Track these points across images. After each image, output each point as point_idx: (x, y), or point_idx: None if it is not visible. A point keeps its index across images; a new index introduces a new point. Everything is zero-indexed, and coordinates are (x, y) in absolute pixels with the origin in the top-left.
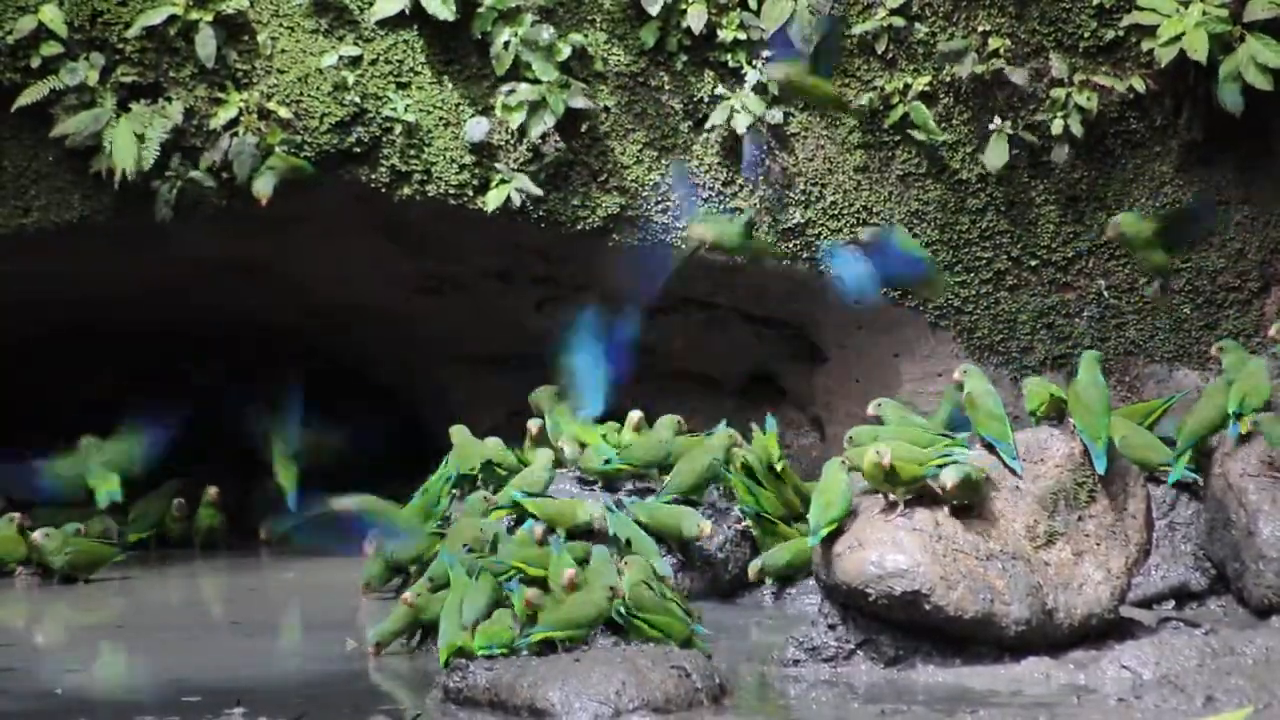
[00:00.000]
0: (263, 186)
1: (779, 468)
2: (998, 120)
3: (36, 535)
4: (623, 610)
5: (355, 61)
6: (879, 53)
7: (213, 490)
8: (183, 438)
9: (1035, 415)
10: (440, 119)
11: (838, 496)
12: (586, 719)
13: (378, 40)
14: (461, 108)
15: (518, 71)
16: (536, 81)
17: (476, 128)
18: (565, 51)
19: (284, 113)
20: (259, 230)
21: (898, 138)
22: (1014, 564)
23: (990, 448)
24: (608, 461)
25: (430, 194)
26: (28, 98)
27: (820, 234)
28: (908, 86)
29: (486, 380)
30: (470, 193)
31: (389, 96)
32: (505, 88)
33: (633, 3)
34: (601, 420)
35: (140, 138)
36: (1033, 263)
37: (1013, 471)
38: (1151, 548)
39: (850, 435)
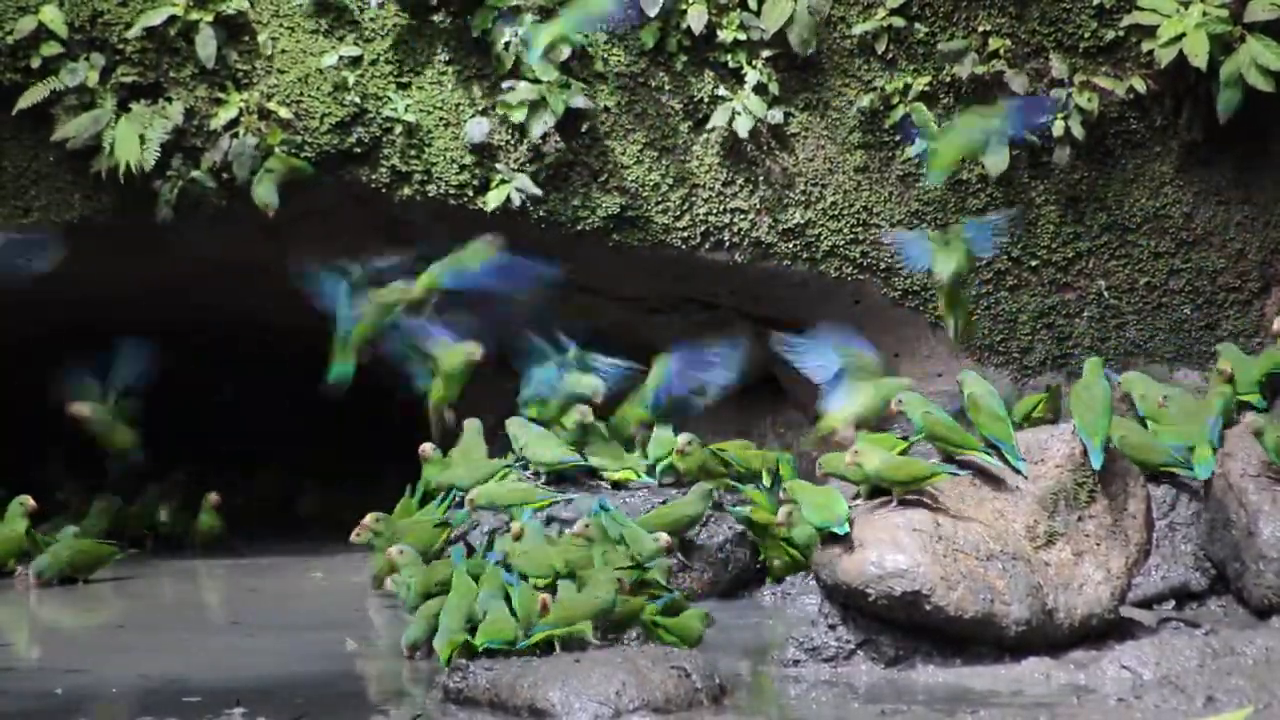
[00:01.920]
0: (266, 196)
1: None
2: None
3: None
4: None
5: (355, 61)
6: (879, 53)
7: (213, 496)
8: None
9: (1026, 421)
10: (440, 119)
11: (835, 496)
12: (586, 719)
13: (378, 40)
14: (462, 108)
15: (518, 71)
16: (537, 81)
17: (477, 128)
18: (565, 52)
19: (284, 113)
20: (259, 231)
21: (898, 138)
22: (1014, 564)
23: (994, 448)
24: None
25: (430, 194)
26: (28, 99)
27: (820, 234)
28: (908, 87)
29: (486, 380)
30: (470, 193)
31: (389, 96)
32: (505, 87)
33: (632, 2)
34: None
35: (141, 138)
36: (1033, 263)
37: (1017, 471)
38: (1151, 548)
39: (820, 463)
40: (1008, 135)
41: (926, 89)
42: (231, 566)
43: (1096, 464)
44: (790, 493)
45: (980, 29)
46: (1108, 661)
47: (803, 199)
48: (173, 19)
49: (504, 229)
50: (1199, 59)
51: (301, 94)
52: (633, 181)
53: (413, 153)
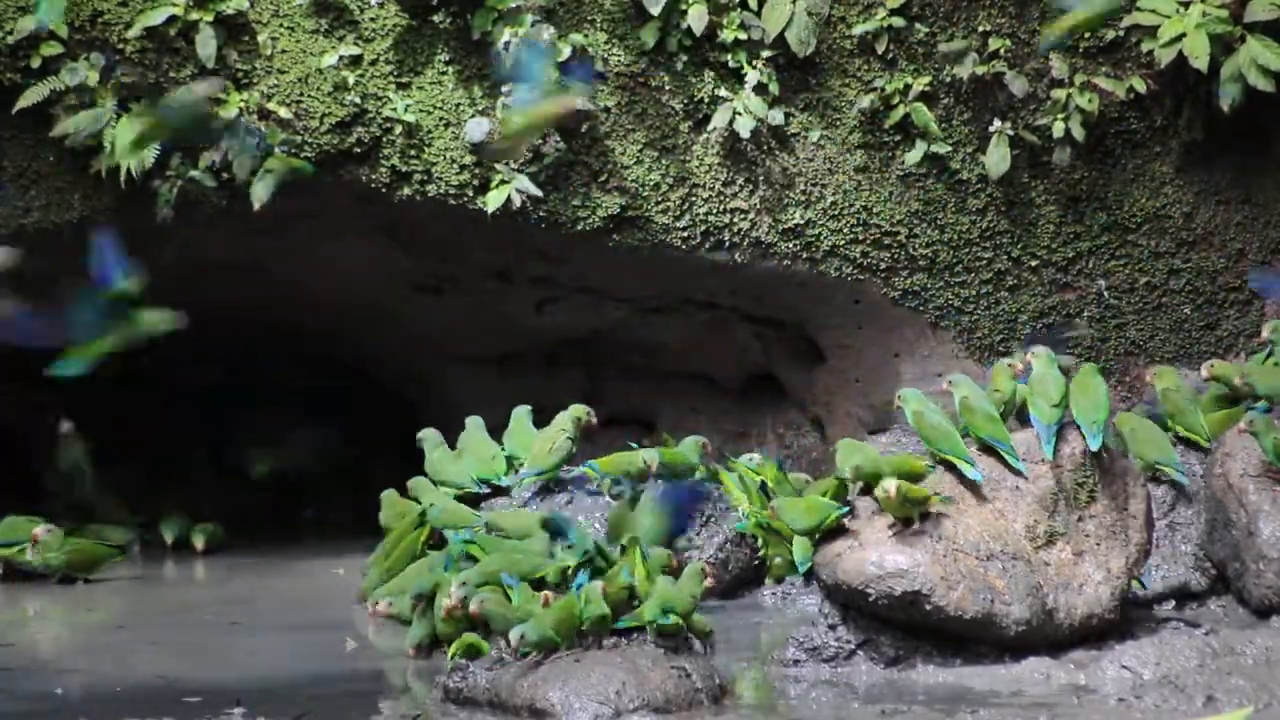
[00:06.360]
0: (261, 192)
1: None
2: (998, 122)
3: (38, 531)
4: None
5: (355, 61)
6: (879, 53)
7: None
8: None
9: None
10: (440, 119)
11: (819, 504)
12: (586, 719)
13: (378, 40)
14: (461, 108)
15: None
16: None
17: (476, 128)
18: (565, 52)
19: (284, 113)
20: (259, 230)
21: (898, 138)
22: (1014, 564)
23: (990, 450)
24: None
25: (430, 194)
26: (27, 99)
27: (820, 234)
28: (908, 87)
29: (487, 380)
30: (470, 193)
31: (389, 96)
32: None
33: (633, 2)
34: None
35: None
36: (1033, 263)
37: (1017, 472)
38: (1151, 548)
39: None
40: None
41: (926, 89)
42: (232, 566)
43: (1094, 445)
44: (777, 507)
45: (980, 29)
46: (1108, 661)
47: (803, 199)
48: (173, 19)
49: (504, 229)
50: (1199, 59)
51: (301, 94)
52: (633, 181)
53: (413, 153)
